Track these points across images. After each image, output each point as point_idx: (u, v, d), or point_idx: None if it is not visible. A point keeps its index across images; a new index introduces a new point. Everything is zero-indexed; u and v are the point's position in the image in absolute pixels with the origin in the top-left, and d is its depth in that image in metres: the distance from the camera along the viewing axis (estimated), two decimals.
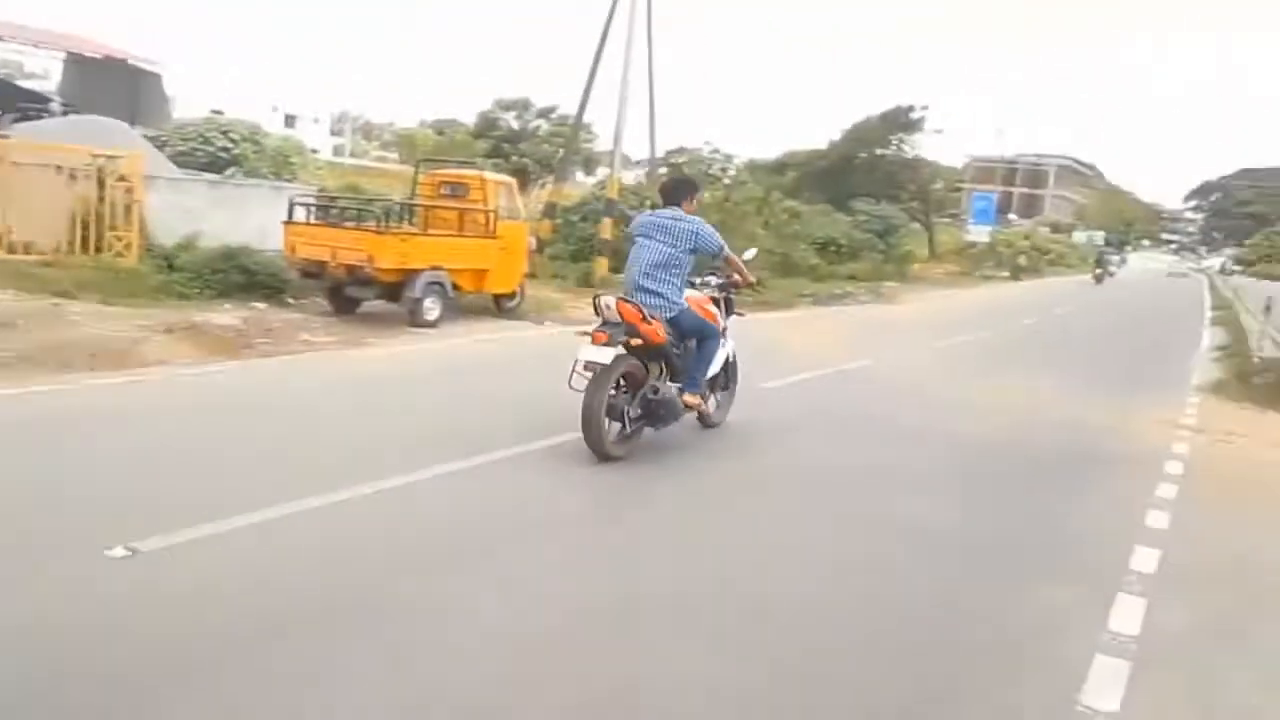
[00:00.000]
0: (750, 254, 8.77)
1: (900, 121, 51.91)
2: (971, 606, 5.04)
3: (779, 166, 56.10)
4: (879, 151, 52.06)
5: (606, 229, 21.04)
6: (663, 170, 24.22)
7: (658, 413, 7.26)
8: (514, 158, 46.17)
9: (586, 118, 30.35)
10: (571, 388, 6.90)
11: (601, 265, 20.64)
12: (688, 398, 7.48)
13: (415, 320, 13.01)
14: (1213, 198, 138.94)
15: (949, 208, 62.47)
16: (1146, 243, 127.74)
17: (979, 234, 52.07)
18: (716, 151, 26.08)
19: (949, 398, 11.28)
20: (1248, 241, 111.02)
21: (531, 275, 17.45)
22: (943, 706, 3.92)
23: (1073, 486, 7.87)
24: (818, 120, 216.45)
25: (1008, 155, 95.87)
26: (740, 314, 8.80)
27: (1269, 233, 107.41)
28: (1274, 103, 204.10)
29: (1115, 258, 66.47)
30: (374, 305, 13.53)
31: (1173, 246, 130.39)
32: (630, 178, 29.94)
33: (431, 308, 13.24)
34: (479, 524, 5.62)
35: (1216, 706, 4.16)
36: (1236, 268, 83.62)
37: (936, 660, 4.32)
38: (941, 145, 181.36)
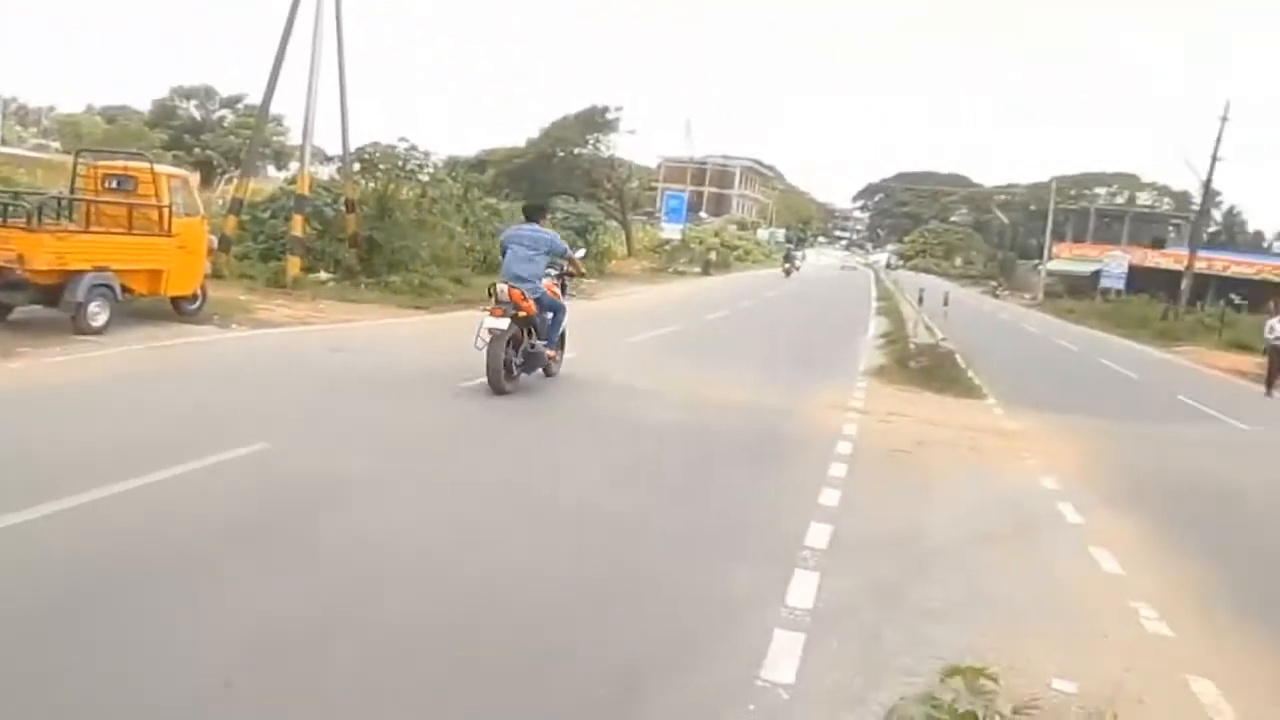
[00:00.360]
0: (580, 253, 13.14)
1: (596, 121, 53.20)
2: (656, 591, 5.23)
3: (479, 164, 55.96)
4: (576, 150, 53.14)
5: (298, 226, 20.02)
6: (357, 166, 23.34)
7: (532, 362, 10.66)
8: (197, 150, 43.16)
9: (278, 109, 28.77)
10: (476, 348, 9.89)
11: (294, 264, 19.61)
12: (549, 351, 10.89)
13: (79, 327, 11.83)
14: (876, 198, 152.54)
15: (644, 206, 64.86)
16: (822, 239, 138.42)
17: (672, 231, 54.39)
18: (414, 148, 25.74)
19: (641, 389, 11.66)
20: (906, 238, 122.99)
21: (216, 275, 16.34)
22: (629, 692, 4.03)
23: (754, 469, 8.37)
24: (524, 117, 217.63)
25: (697, 156, 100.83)
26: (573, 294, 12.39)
27: (923, 230, 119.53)
28: (914, 111, 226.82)
29: (799, 254, 72.32)
30: (31, 311, 12.16)
31: (843, 243, 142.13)
32: (325, 173, 28.75)
33: (98, 312, 12.08)
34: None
35: (880, 667, 4.53)
36: (900, 262, 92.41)
37: (618, 647, 4.44)
38: (635, 145, 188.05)
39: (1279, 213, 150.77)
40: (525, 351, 10.40)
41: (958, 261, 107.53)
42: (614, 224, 48.45)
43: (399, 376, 10.97)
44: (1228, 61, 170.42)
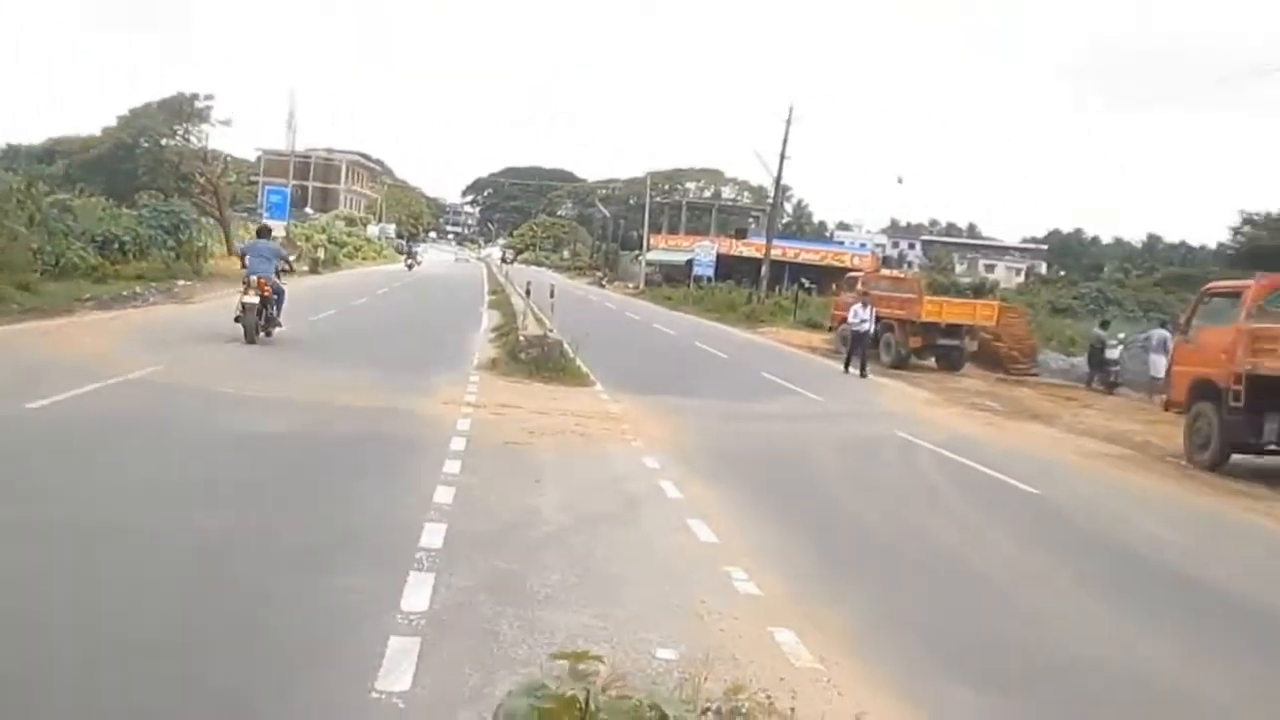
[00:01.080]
0: (293, 257, 20.34)
1: (184, 110, 49.29)
2: (266, 610, 4.94)
3: (46, 155, 49.91)
4: (164, 141, 48.90)
5: None
6: None
7: (270, 327, 15.98)
8: None
9: None
10: (236, 320, 15.42)
11: None
12: (280, 319, 16.37)
13: None
14: (485, 193, 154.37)
15: (244, 202, 61.01)
16: (434, 235, 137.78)
17: (275, 228, 51.61)
18: None
19: (245, 398, 10.98)
20: (516, 232, 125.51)
21: None
22: (239, 713, 3.78)
23: (367, 473, 8.15)
24: (101, 104, 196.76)
25: (300, 149, 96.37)
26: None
27: (531, 223, 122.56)
28: (519, 107, 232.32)
29: (420, 249, 74.22)
30: None
31: (453, 237, 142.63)
32: None
33: None
34: None
35: (497, 662, 4.55)
36: (514, 256, 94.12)
37: (231, 666, 4.17)
38: (232, 137, 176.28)
39: (837, 206, 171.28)
40: (267, 318, 15.99)
41: (565, 254, 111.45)
42: (211, 221, 45.13)
43: None
44: (798, 65, 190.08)
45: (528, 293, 20.20)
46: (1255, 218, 49.48)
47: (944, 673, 5.09)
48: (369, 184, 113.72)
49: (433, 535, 6.34)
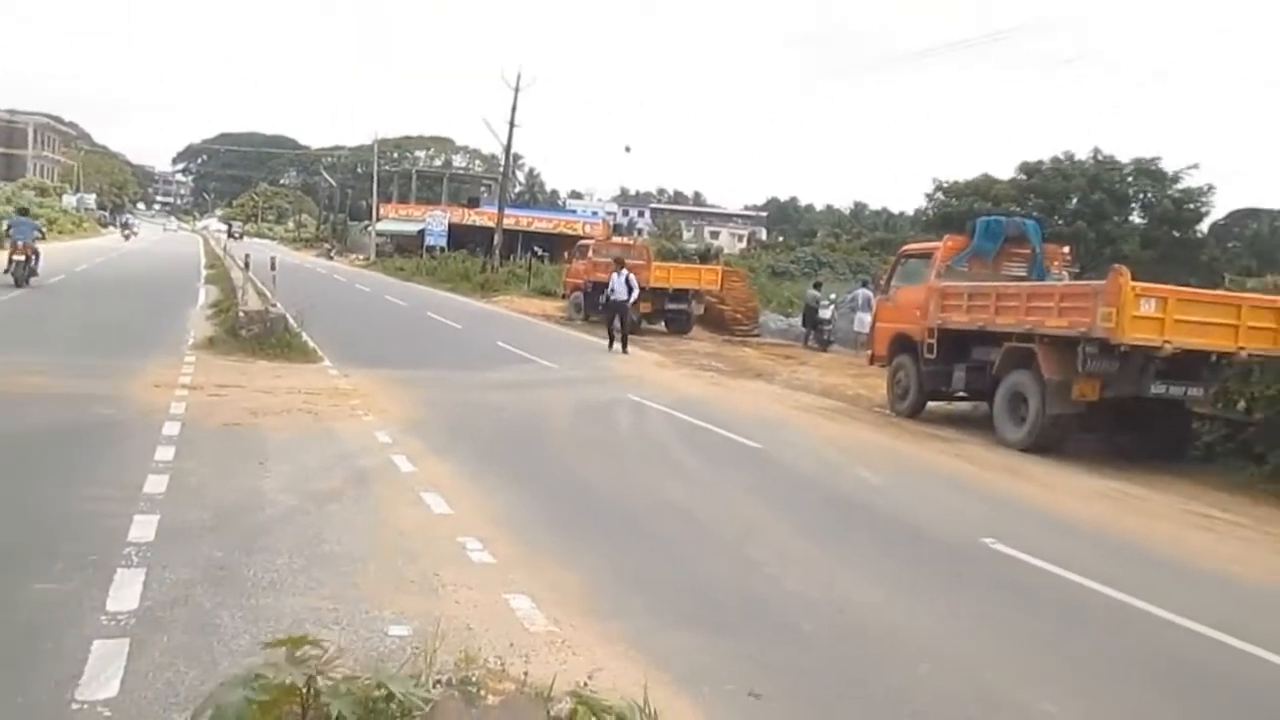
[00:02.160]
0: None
1: None
2: None
3: None
4: None
5: None
6: None
7: (30, 278, 22.18)
8: None
9: None
10: (8, 273, 21.55)
11: None
12: (38, 270, 22.74)
13: None
14: (200, 160, 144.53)
15: None
16: (142, 206, 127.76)
17: None
18: None
19: None
20: (235, 202, 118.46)
21: None
22: None
23: (66, 466, 7.48)
24: None
25: None
26: None
27: (252, 193, 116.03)
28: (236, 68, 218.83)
29: (135, 221, 73.60)
30: None
31: (166, 208, 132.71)
32: None
33: None
34: None
35: (217, 656, 4.32)
36: (242, 228, 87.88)
37: None
38: None
39: (570, 174, 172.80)
40: (30, 269, 22.01)
41: (290, 225, 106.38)
42: None
43: None
44: (528, 32, 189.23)
45: (247, 266, 19.07)
46: (945, 185, 54.10)
47: (674, 624, 5.30)
48: (62, 150, 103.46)
49: (143, 528, 5.93)
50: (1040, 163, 53.28)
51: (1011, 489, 10.12)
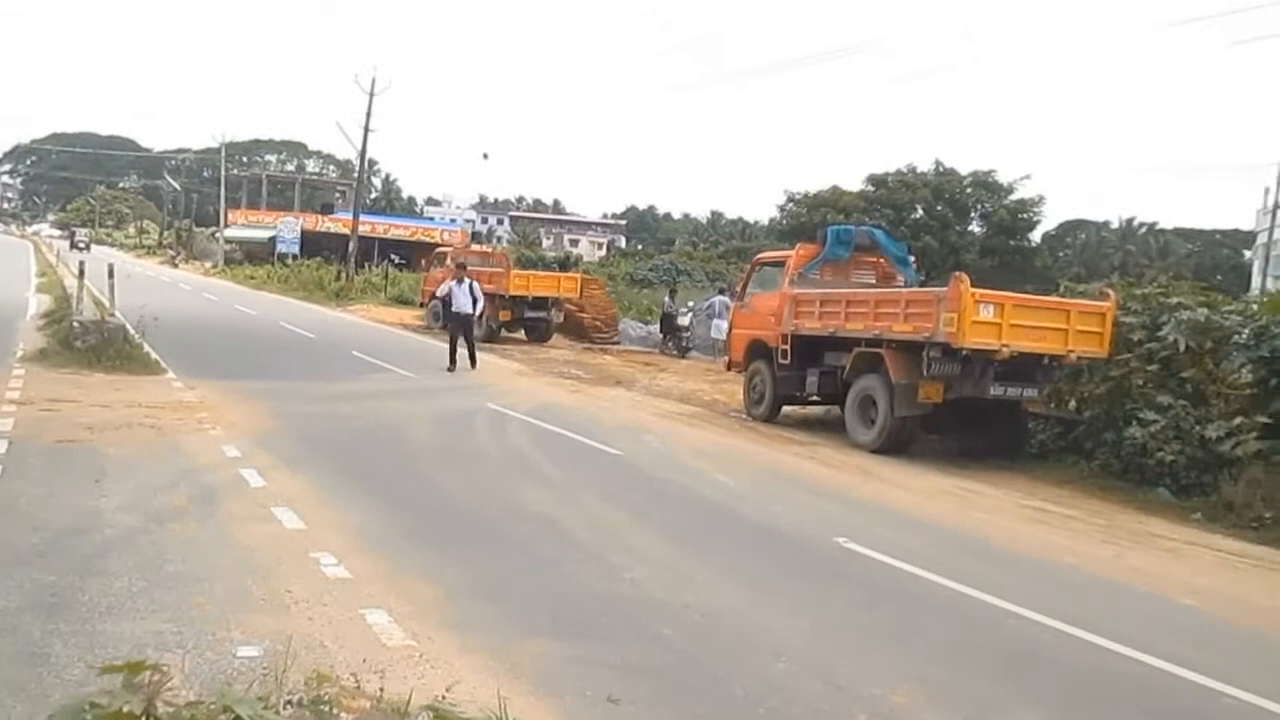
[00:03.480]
0: None
1: None
2: None
3: None
4: None
5: None
6: None
7: None
8: None
9: None
10: None
11: None
12: None
13: None
14: (29, 161, 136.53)
15: None
16: None
17: None
18: None
19: None
20: (70, 206, 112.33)
21: None
22: None
23: None
24: None
25: None
26: None
27: (89, 197, 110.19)
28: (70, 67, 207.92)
29: None
30: None
31: None
32: None
33: None
34: None
35: (48, 687, 4.07)
36: (87, 237, 79.70)
37: None
38: None
39: (427, 181, 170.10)
40: None
41: (132, 230, 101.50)
42: None
43: None
44: (385, 35, 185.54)
45: (81, 273, 18.09)
46: (797, 196, 55.61)
47: (534, 633, 5.28)
48: None
49: None
50: (886, 174, 55.34)
51: (863, 489, 10.47)
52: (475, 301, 18.71)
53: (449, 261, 27.73)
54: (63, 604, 5.01)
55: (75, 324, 14.73)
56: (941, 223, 51.82)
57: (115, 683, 2.74)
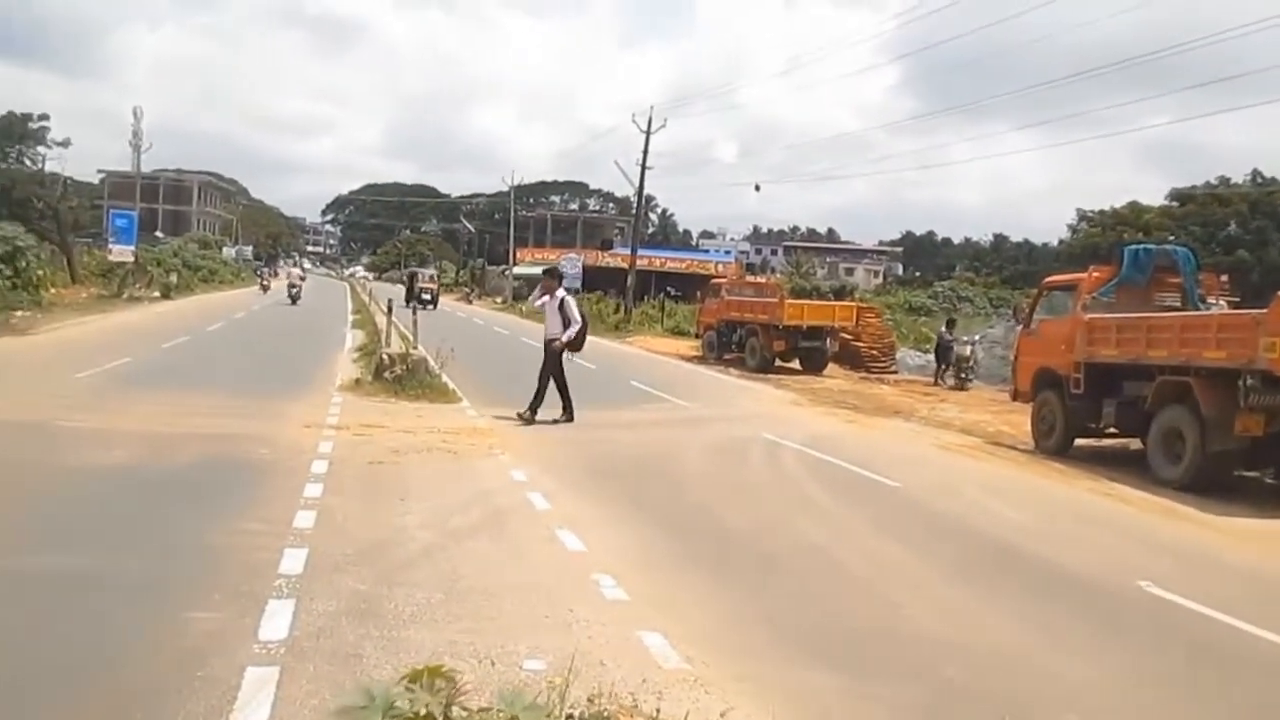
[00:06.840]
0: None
1: (16, 132, 46.74)
2: (112, 650, 4.71)
3: None
4: None
5: None
6: None
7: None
8: None
9: None
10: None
11: None
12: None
13: None
14: (346, 211, 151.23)
15: (89, 227, 58.16)
16: (295, 255, 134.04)
17: (123, 254, 49.31)
18: None
19: (91, 430, 10.44)
20: (380, 250, 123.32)
21: None
22: None
23: (223, 502, 7.85)
24: None
25: (147, 170, 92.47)
26: None
27: (395, 241, 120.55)
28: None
29: (266, 269, 70.48)
30: None
31: (316, 257, 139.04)
32: None
33: None
34: None
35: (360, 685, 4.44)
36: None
37: (69, 713, 3.95)
38: (73, 158, 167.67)
39: (701, 215, 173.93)
40: None
41: (432, 271, 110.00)
42: (52, 248, 42.89)
43: None
44: (659, 79, 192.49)
45: (389, 310, 19.79)
46: (1090, 215, 52.31)
47: (808, 664, 5.20)
48: (223, 205, 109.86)
49: (293, 561, 6.17)
50: (1194, 188, 50.98)
51: (1168, 529, 9.60)
52: (567, 324, 13.73)
53: (724, 294, 28.13)
54: (373, 610, 5.44)
55: (384, 356, 16.09)
56: (1259, 238, 47.01)
57: (417, 685, 2.95)
